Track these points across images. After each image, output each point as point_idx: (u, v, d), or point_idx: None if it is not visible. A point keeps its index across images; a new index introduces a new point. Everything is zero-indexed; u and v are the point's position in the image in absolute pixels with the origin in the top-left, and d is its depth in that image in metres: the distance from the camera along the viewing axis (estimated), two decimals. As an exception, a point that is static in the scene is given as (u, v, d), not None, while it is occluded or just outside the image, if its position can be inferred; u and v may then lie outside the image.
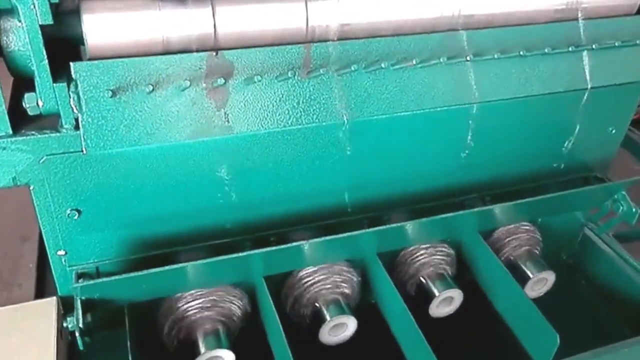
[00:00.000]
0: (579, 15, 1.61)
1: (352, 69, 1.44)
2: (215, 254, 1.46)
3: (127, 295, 1.48)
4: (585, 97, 1.74)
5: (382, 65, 1.46)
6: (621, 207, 1.91)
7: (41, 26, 1.18)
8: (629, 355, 1.67)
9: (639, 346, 1.67)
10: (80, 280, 1.44)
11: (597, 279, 2.12)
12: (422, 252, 1.84)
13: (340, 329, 1.69)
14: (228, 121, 1.40)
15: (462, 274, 1.90)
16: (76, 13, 1.28)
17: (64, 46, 1.32)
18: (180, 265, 1.43)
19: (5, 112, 1.25)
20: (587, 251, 2.15)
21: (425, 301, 1.81)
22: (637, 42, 1.69)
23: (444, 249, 1.86)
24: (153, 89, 1.30)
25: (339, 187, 1.64)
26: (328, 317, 1.67)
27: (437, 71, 1.53)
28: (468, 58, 1.53)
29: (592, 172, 2.00)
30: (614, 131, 1.92)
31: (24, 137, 1.29)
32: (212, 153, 1.44)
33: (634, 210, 1.86)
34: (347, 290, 1.74)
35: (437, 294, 1.78)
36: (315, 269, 1.70)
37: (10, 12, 1.22)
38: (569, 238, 2.17)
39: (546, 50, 1.58)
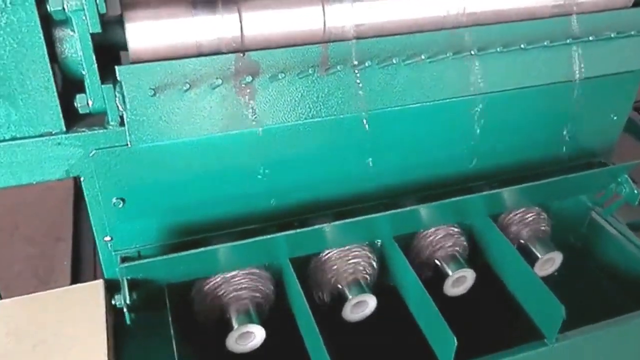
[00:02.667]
0: (575, 9, 1.72)
1: (367, 65, 1.57)
2: (244, 239, 1.60)
3: (166, 276, 1.63)
4: (585, 86, 1.85)
5: (394, 61, 1.58)
6: (624, 190, 2.01)
7: (91, 34, 1.33)
8: (634, 327, 1.78)
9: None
10: (124, 263, 1.59)
11: (604, 259, 2.20)
12: (436, 236, 1.97)
13: (361, 306, 1.82)
14: (255, 115, 1.54)
15: (475, 257, 2.02)
16: (119, 22, 1.43)
17: (104, 52, 1.48)
18: (213, 247, 1.58)
19: (61, 112, 1.41)
20: (595, 234, 2.23)
21: (440, 282, 1.93)
22: (633, 33, 1.79)
23: (456, 233, 1.98)
24: (189, 88, 1.45)
25: (356, 174, 1.77)
26: (349, 296, 1.80)
27: (445, 65, 1.66)
28: (472, 52, 1.66)
29: (596, 158, 2.10)
30: (615, 118, 2.02)
31: (76, 134, 1.44)
32: (242, 145, 1.58)
33: (635, 192, 1.96)
34: (366, 272, 1.86)
35: (450, 274, 1.91)
36: (337, 251, 1.83)
37: (64, 22, 1.37)
38: (577, 222, 2.25)
39: (545, 43, 1.70)
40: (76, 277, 3.45)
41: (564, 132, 1.98)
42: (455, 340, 1.48)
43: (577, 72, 1.82)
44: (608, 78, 1.88)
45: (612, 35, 1.77)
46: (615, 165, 2.00)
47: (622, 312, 1.78)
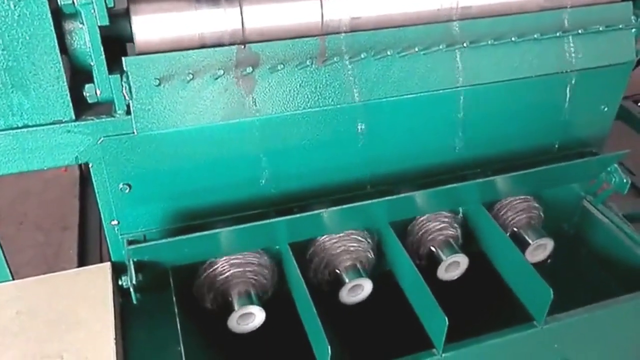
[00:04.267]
0: (565, 3, 1.78)
1: (362, 56, 1.64)
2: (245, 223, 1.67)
3: (170, 258, 1.70)
4: (575, 78, 1.91)
5: (389, 53, 1.65)
6: (614, 179, 2.07)
7: (99, 27, 1.40)
8: (619, 310, 1.85)
9: (628, 303, 1.83)
10: (131, 245, 1.67)
11: (595, 246, 2.26)
12: (430, 223, 2.03)
13: (357, 290, 1.88)
14: (256, 105, 1.61)
15: (469, 244, 2.08)
16: (125, 15, 1.50)
17: (111, 43, 1.54)
18: (216, 230, 1.65)
19: (71, 101, 1.48)
20: (587, 221, 2.28)
21: (434, 268, 2.00)
22: (621, 26, 1.85)
23: (451, 221, 2.05)
24: (192, 78, 1.52)
25: (353, 163, 1.83)
26: (347, 280, 1.87)
27: (438, 57, 1.72)
28: (465, 45, 1.72)
29: (587, 148, 2.16)
30: (606, 109, 2.07)
31: (85, 122, 1.51)
32: (242, 133, 1.65)
33: (624, 181, 2.02)
34: (363, 257, 1.93)
35: (444, 259, 1.97)
36: (334, 238, 1.90)
37: (74, 15, 1.44)
38: (570, 210, 2.31)
39: (536, 36, 1.76)
40: (82, 264, 3.52)
41: (557, 123, 2.03)
42: (447, 320, 1.55)
43: (567, 64, 1.87)
44: (598, 70, 1.93)
45: (601, 29, 1.82)
46: (605, 154, 2.06)
47: (611, 297, 1.84)
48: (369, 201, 1.75)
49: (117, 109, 1.52)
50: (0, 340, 1.54)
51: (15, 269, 1.75)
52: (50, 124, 1.49)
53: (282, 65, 1.57)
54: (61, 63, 1.43)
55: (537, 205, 2.15)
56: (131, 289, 1.58)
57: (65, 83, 1.46)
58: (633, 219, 2.64)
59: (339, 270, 1.90)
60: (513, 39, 1.74)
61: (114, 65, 1.49)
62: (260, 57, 1.57)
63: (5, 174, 1.52)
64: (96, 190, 1.63)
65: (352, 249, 1.91)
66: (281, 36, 1.59)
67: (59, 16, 1.43)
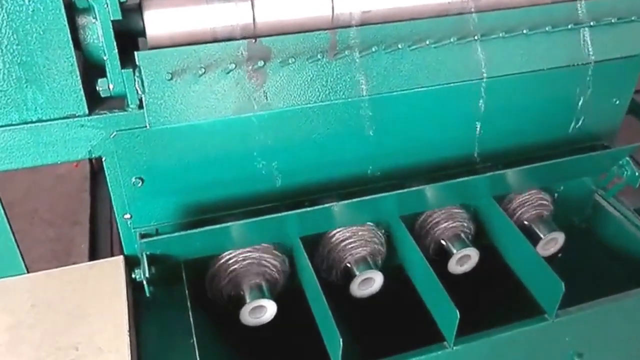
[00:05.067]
0: (578, -5, 1.77)
1: (373, 50, 1.64)
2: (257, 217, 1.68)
3: (183, 252, 1.71)
4: (587, 71, 1.90)
5: (399, 46, 1.64)
6: (626, 172, 2.05)
7: (112, 21, 1.41)
8: (631, 304, 1.84)
9: (636, 296, 1.82)
10: (144, 239, 1.68)
11: (607, 240, 2.25)
12: (441, 217, 2.03)
13: (368, 283, 1.89)
14: (267, 99, 1.62)
15: (480, 238, 2.08)
16: (137, 10, 1.51)
17: (124, 38, 1.55)
18: (227, 224, 1.65)
19: (84, 96, 1.49)
20: (598, 215, 2.28)
21: (445, 262, 2.00)
22: (633, 18, 1.84)
23: (461, 214, 2.05)
24: (204, 72, 1.52)
25: (364, 156, 1.84)
26: (357, 273, 1.88)
27: (449, 50, 1.71)
28: (476, 38, 1.72)
29: (599, 141, 2.15)
30: (617, 102, 2.06)
31: (98, 116, 1.52)
32: (254, 127, 1.65)
33: (637, 174, 2.01)
34: (374, 250, 1.94)
35: (454, 252, 1.97)
36: (345, 231, 1.91)
37: (87, 10, 1.45)
38: (581, 204, 2.30)
39: (548, 29, 1.75)
40: (93, 259, 3.54)
41: (569, 116, 2.02)
42: (458, 313, 1.55)
43: (580, 57, 1.87)
44: (610, 62, 1.92)
45: (613, 21, 1.81)
46: (617, 148, 2.05)
47: (623, 290, 1.84)
48: (380, 195, 1.75)
49: (129, 103, 1.53)
50: (15, 332, 1.56)
51: (27, 264, 1.77)
52: (64, 118, 1.50)
53: (293, 59, 1.57)
54: (74, 57, 1.44)
55: (548, 198, 2.15)
56: (144, 282, 1.59)
57: (79, 77, 1.47)
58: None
59: (349, 263, 1.91)
60: (525, 31, 1.73)
61: (126, 59, 1.49)
62: (271, 51, 1.57)
63: (20, 168, 1.53)
64: (109, 184, 1.65)
65: (362, 242, 1.92)
66: (292, 30, 1.59)
67: (72, 11, 1.44)
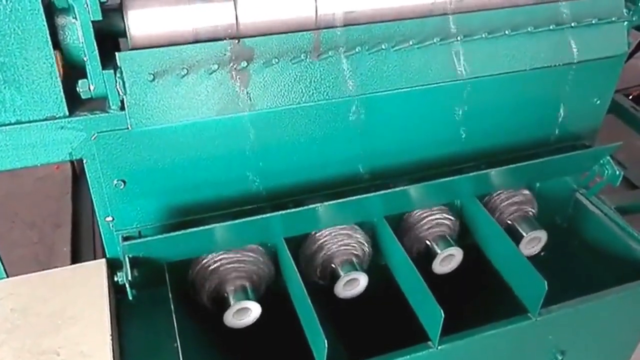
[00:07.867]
0: (559, -4, 1.79)
1: (357, 50, 1.64)
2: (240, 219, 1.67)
3: (166, 254, 1.69)
4: (569, 71, 1.92)
5: (383, 47, 1.65)
6: (606, 171, 2.08)
7: (92, 22, 1.39)
8: (612, 301, 1.86)
9: (620, 294, 1.84)
10: (126, 242, 1.66)
11: (588, 238, 2.27)
12: (426, 217, 2.04)
13: (353, 284, 1.89)
14: (250, 99, 1.61)
15: (464, 238, 2.09)
16: (118, 10, 1.49)
17: (104, 38, 1.53)
18: (211, 226, 1.63)
19: (64, 97, 1.47)
20: (580, 214, 2.29)
21: (429, 262, 2.01)
22: (614, 19, 1.86)
23: (446, 214, 2.06)
24: (186, 73, 1.51)
25: (349, 157, 1.83)
26: (342, 274, 1.88)
27: (432, 51, 1.72)
28: (459, 39, 1.72)
29: (580, 141, 2.17)
30: (598, 102, 2.09)
31: (78, 118, 1.50)
32: (237, 128, 1.64)
33: (617, 173, 2.04)
34: (358, 251, 1.94)
35: (439, 252, 1.98)
36: (330, 232, 1.91)
37: (66, 10, 1.43)
38: (563, 203, 2.32)
39: (530, 29, 1.77)
40: (76, 262, 3.50)
41: (550, 116, 2.04)
42: (442, 313, 1.55)
43: (560, 57, 1.88)
44: (591, 63, 1.94)
45: (594, 22, 1.83)
46: (598, 147, 2.07)
47: (604, 288, 1.85)
48: (364, 195, 1.75)
49: (111, 104, 1.51)
50: (-5, 337, 1.53)
51: (8, 268, 1.75)
52: (44, 120, 1.48)
53: (276, 60, 1.56)
54: (54, 58, 1.42)
55: (531, 197, 2.16)
56: (127, 285, 1.57)
57: (58, 79, 1.45)
58: (625, 211, 2.66)
59: (334, 264, 1.91)
60: (507, 32, 1.75)
61: (107, 60, 1.48)
62: (254, 52, 1.57)
63: (-1, 171, 1.51)
64: (90, 187, 1.63)
65: (347, 243, 1.91)
66: (275, 30, 1.59)
67: (51, 11, 1.42)
